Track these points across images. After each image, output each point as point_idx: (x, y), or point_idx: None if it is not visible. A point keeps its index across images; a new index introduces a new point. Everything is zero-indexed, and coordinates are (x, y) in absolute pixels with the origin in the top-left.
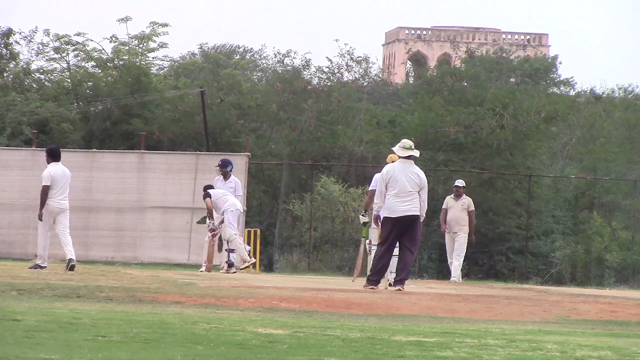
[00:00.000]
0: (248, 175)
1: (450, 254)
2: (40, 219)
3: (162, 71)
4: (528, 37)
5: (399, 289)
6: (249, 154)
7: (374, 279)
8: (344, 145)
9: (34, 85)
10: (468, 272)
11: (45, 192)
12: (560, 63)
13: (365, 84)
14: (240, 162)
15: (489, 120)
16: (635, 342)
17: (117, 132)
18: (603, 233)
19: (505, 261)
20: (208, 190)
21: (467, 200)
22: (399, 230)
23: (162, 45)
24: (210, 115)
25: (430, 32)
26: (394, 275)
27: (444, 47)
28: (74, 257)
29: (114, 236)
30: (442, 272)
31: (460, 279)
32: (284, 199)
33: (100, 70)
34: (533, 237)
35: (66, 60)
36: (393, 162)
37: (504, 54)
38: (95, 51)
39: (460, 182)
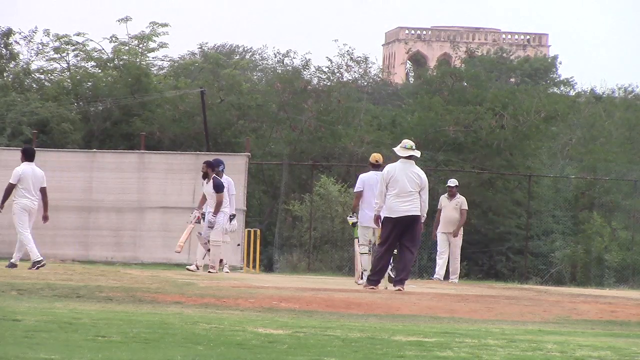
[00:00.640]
0: (248, 175)
1: (442, 252)
2: None
3: (162, 71)
4: (528, 37)
5: (399, 289)
6: (249, 154)
7: (374, 279)
8: (345, 145)
9: (34, 85)
10: (468, 272)
11: (9, 189)
12: (560, 63)
13: (365, 84)
14: (240, 162)
15: (489, 120)
16: (635, 342)
17: (117, 132)
18: (603, 233)
19: (505, 261)
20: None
21: (460, 200)
22: (399, 230)
23: (162, 45)
24: (210, 115)
25: (430, 32)
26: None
27: (444, 47)
28: (39, 258)
29: (114, 236)
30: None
31: (457, 280)
32: (284, 199)
33: (100, 70)
34: (533, 237)
35: (66, 60)
36: (376, 161)
37: (504, 54)
38: (95, 51)
39: (453, 182)
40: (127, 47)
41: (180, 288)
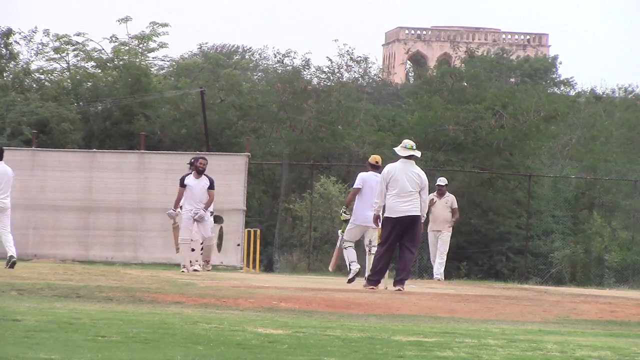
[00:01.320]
0: (248, 175)
1: (434, 253)
2: None
3: (162, 71)
4: (528, 37)
5: (399, 289)
6: (249, 154)
7: (374, 279)
8: (347, 146)
9: (34, 85)
10: (468, 272)
11: None
12: (561, 63)
13: (365, 84)
14: (240, 162)
15: (489, 120)
16: (635, 342)
17: (117, 132)
18: (603, 233)
19: (505, 261)
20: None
21: (450, 198)
22: (399, 230)
23: (162, 45)
24: (210, 115)
25: (430, 32)
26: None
27: (444, 47)
28: (15, 255)
29: (114, 236)
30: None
31: (443, 277)
32: (284, 199)
33: (100, 70)
34: (533, 237)
35: (66, 60)
36: (376, 162)
37: (504, 54)
38: (95, 51)
39: (442, 181)
40: (127, 47)
41: (180, 288)
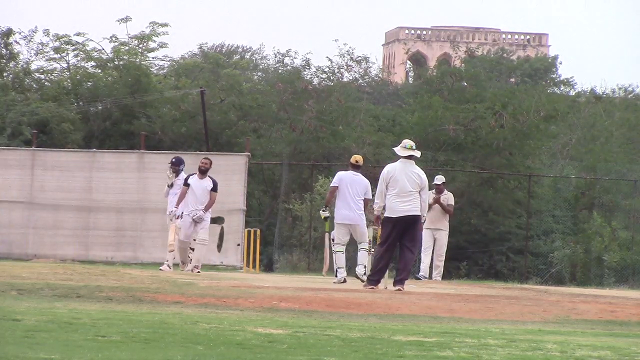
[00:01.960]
0: (248, 175)
1: (427, 247)
2: None
3: (162, 71)
4: (528, 37)
5: (399, 289)
6: (249, 154)
7: (374, 279)
8: (348, 146)
9: (34, 85)
10: (468, 272)
11: None
12: (561, 63)
13: (365, 84)
14: (240, 162)
15: (489, 120)
16: (635, 342)
17: (117, 132)
18: (603, 233)
19: (505, 261)
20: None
21: (447, 196)
22: (399, 230)
23: (162, 45)
24: (210, 115)
25: (430, 32)
26: (361, 267)
27: (444, 47)
28: None
29: (114, 236)
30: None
31: (440, 277)
32: (284, 199)
33: (100, 70)
34: (533, 237)
35: (66, 60)
36: (356, 162)
37: (504, 54)
38: (95, 51)
39: (439, 179)
40: (127, 47)
41: (180, 288)
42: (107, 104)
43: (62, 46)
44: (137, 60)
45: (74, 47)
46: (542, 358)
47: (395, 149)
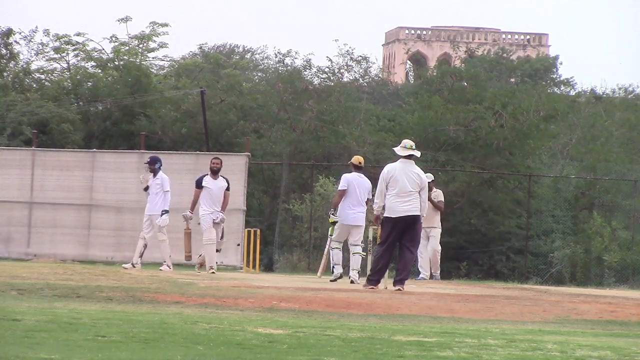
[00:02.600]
0: (248, 175)
1: (422, 248)
2: None
3: (162, 71)
4: (528, 37)
5: (399, 289)
6: (249, 154)
7: (374, 278)
8: (349, 146)
9: (34, 85)
10: (468, 272)
11: None
12: (561, 63)
13: (365, 84)
14: (240, 162)
15: (489, 120)
16: (635, 342)
17: (117, 132)
18: (603, 233)
19: (505, 261)
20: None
21: (436, 193)
22: (399, 230)
23: (162, 45)
24: (211, 115)
25: (430, 32)
26: (355, 273)
27: (444, 47)
28: None
29: (114, 236)
30: (442, 272)
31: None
32: (284, 199)
33: (100, 70)
34: (533, 236)
35: (66, 60)
36: (359, 163)
37: (504, 54)
38: (95, 51)
39: (428, 177)
40: (127, 47)
41: (180, 288)
42: (107, 104)
43: (62, 46)
44: (137, 60)
45: (74, 47)
46: (542, 358)
47: (395, 149)
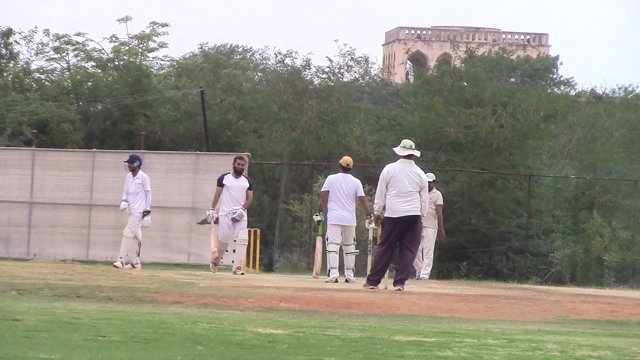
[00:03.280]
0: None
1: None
2: None
3: (162, 71)
4: (528, 37)
5: (399, 289)
6: (249, 154)
7: (374, 278)
8: (350, 146)
9: (34, 85)
10: (468, 272)
11: None
12: (562, 63)
13: (365, 84)
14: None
15: (489, 120)
16: (635, 342)
17: (117, 132)
18: (603, 233)
19: (505, 261)
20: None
21: (435, 195)
22: (399, 230)
23: (162, 45)
24: (211, 115)
25: (430, 32)
26: (350, 272)
27: (444, 47)
28: None
29: (114, 235)
30: (442, 272)
31: (427, 277)
32: (284, 199)
33: (100, 70)
34: (533, 236)
35: (66, 60)
36: (347, 164)
37: (504, 54)
38: (95, 51)
39: (430, 177)
40: (127, 47)
41: (180, 288)
42: (107, 104)
43: (62, 46)
44: (137, 60)
45: (74, 47)
46: (542, 358)
47: (394, 149)
